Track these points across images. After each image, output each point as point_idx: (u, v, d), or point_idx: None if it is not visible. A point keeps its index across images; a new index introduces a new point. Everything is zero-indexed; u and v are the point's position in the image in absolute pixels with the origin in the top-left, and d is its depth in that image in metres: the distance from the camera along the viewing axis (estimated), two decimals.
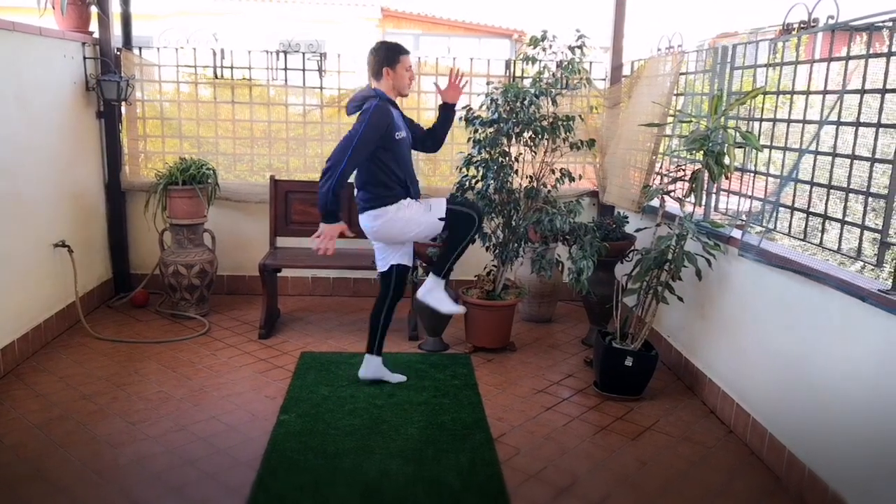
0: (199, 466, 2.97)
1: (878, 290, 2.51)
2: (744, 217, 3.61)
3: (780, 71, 3.40)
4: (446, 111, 3.89)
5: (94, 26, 4.96)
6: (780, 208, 3.31)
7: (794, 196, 3.26)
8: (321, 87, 5.26)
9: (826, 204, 2.99)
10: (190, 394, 3.67)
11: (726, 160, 3.36)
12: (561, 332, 4.88)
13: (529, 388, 3.92)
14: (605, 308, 4.25)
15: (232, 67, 5.20)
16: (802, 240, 3.19)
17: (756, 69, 3.66)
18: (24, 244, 4.08)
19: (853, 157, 2.85)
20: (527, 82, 4.63)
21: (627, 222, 4.61)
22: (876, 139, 2.70)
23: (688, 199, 3.63)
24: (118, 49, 5.06)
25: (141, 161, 5.30)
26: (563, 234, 4.25)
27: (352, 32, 13.29)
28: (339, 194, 3.41)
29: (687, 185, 3.60)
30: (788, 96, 3.34)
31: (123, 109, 5.16)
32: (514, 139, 4.27)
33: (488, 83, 4.41)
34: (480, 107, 4.31)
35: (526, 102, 4.14)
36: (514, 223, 4.35)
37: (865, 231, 2.81)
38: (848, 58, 2.90)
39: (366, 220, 3.63)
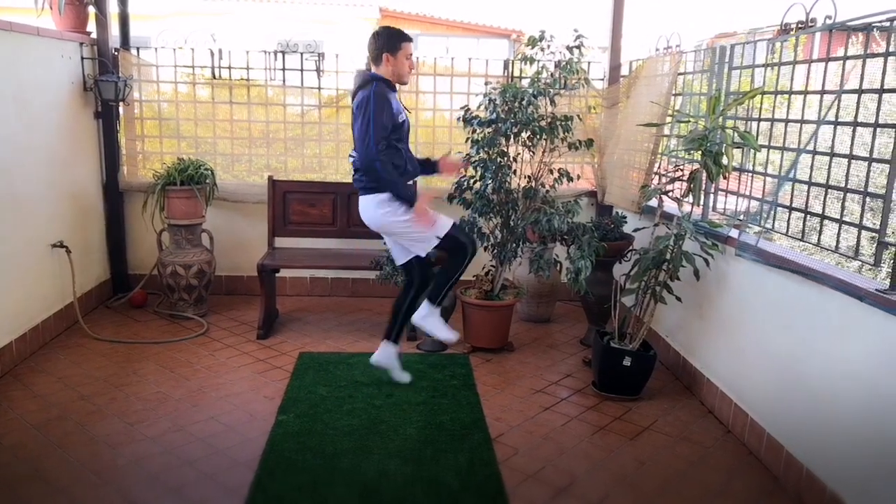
0: (198, 467, 2.97)
1: (876, 289, 2.51)
2: (742, 217, 3.61)
3: (778, 71, 3.40)
4: (428, 169, 3.95)
5: (91, 26, 4.95)
6: (779, 208, 3.32)
7: (792, 196, 3.26)
8: (319, 88, 5.26)
9: (824, 204, 2.99)
10: (188, 394, 3.67)
11: (724, 160, 3.37)
12: (559, 332, 4.89)
13: (528, 388, 3.92)
14: (604, 308, 4.25)
15: (230, 68, 5.19)
16: (800, 239, 3.20)
17: (754, 69, 3.66)
18: (22, 244, 4.07)
19: (851, 156, 2.85)
20: (525, 82, 4.63)
21: (626, 222, 4.61)
22: (874, 139, 2.71)
23: (686, 199, 3.64)
24: (116, 49, 5.06)
25: (139, 161, 5.30)
26: (561, 234, 4.25)
27: (350, 33, 13.27)
28: (395, 177, 3.44)
29: (685, 185, 3.60)
30: (786, 96, 3.34)
31: (121, 110, 5.15)
32: (512, 139, 4.27)
33: (486, 83, 4.41)
34: (479, 107, 4.31)
35: (524, 102, 4.15)
36: (512, 223, 4.35)
37: (863, 231, 2.82)
38: (845, 58, 2.90)
39: (368, 203, 3.60)
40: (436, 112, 5.37)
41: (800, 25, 3.18)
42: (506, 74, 5.30)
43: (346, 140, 5.35)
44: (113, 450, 3.08)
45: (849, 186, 2.92)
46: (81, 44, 4.84)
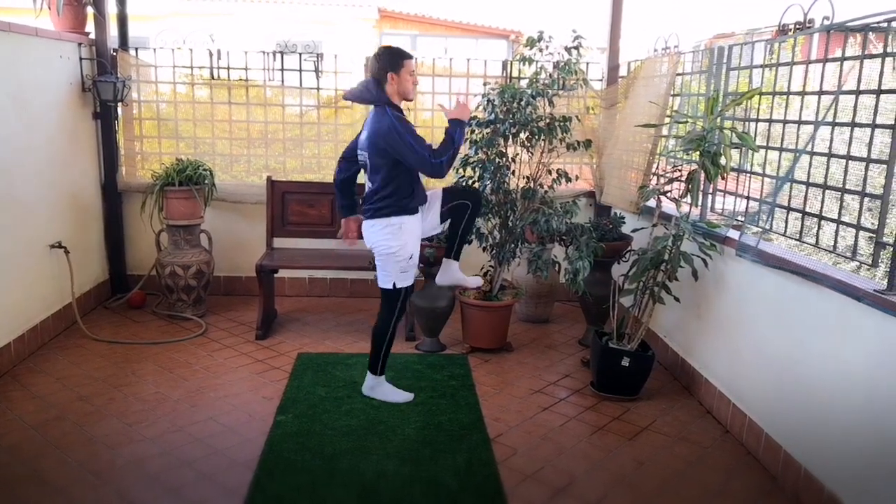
0: (197, 467, 2.97)
1: (874, 290, 2.52)
2: (740, 217, 3.62)
3: (776, 72, 3.41)
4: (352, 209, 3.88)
5: (90, 27, 4.95)
6: (777, 208, 3.32)
7: (790, 196, 3.27)
8: (318, 88, 5.26)
9: (822, 204, 3.00)
10: (187, 395, 3.67)
11: (722, 160, 3.37)
12: (558, 333, 4.89)
13: (526, 388, 3.92)
14: (602, 308, 4.26)
15: (228, 68, 5.19)
16: (798, 240, 3.20)
17: (752, 70, 3.67)
18: (21, 245, 4.07)
19: (848, 157, 2.86)
20: (523, 83, 4.63)
21: (624, 222, 4.62)
22: (871, 139, 2.71)
23: (684, 200, 3.64)
24: (114, 50, 5.06)
25: (137, 162, 5.30)
26: (559, 235, 4.26)
27: (348, 33, 13.29)
28: (447, 153, 3.41)
29: (683, 185, 3.60)
30: (784, 97, 3.34)
31: (120, 110, 5.15)
32: (510, 140, 4.27)
33: (485, 84, 4.41)
34: (477, 107, 4.32)
35: (523, 103, 4.15)
36: (510, 224, 4.35)
37: (861, 231, 2.82)
38: (843, 59, 2.91)
39: (376, 227, 3.53)
40: (434, 113, 5.38)
41: (798, 26, 3.18)
42: (504, 75, 5.30)
43: (344, 140, 5.34)
44: (111, 450, 3.08)
45: (847, 187, 2.92)
46: (80, 44, 4.84)
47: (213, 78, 5.21)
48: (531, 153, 4.36)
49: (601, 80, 5.34)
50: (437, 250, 4.15)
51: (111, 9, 5.06)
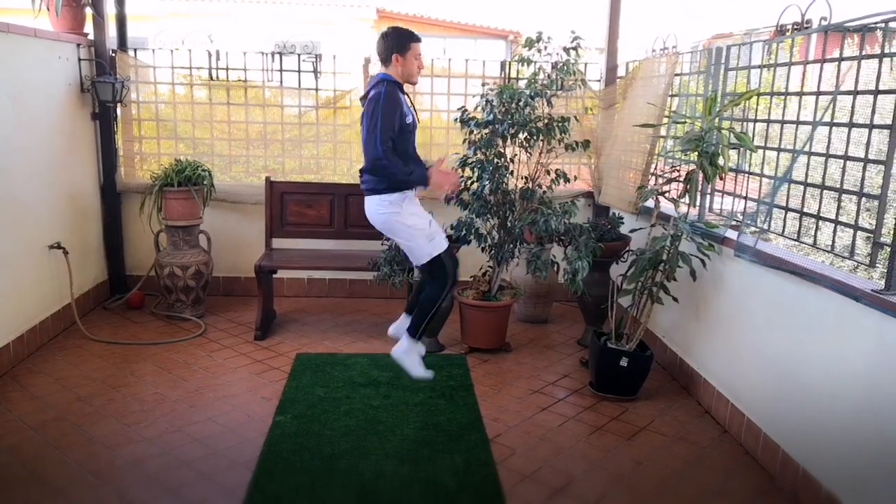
0: (196, 467, 2.97)
1: (872, 290, 2.52)
2: (738, 217, 3.62)
3: (774, 72, 3.41)
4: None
5: (88, 28, 4.95)
6: (775, 208, 3.33)
7: (788, 196, 3.27)
8: (317, 89, 5.27)
9: (820, 204, 3.00)
10: (186, 395, 3.67)
11: (721, 161, 3.38)
12: (556, 333, 4.89)
13: (525, 388, 3.93)
14: (601, 308, 4.26)
15: (227, 69, 5.19)
16: (796, 240, 3.21)
17: (750, 70, 3.68)
18: (20, 246, 4.07)
19: (846, 157, 2.86)
20: (522, 83, 4.64)
21: (622, 223, 4.62)
22: (869, 140, 2.72)
23: (682, 200, 3.65)
24: (113, 51, 5.06)
25: (136, 163, 5.30)
26: (558, 235, 4.26)
27: (347, 34, 13.27)
28: (399, 165, 3.42)
29: (681, 185, 3.61)
30: (782, 97, 3.35)
31: (118, 111, 5.15)
32: (509, 140, 4.28)
33: (483, 84, 4.42)
34: (476, 108, 4.32)
35: (521, 104, 4.15)
36: (509, 224, 4.36)
37: (859, 231, 2.83)
38: (841, 59, 2.92)
39: (374, 204, 3.61)
40: (433, 113, 5.38)
41: (795, 27, 3.19)
42: (503, 75, 5.31)
43: (343, 141, 5.36)
44: (111, 451, 3.09)
45: (844, 187, 2.93)
46: (78, 45, 4.84)
47: (211, 79, 5.22)
48: (530, 153, 4.37)
49: (599, 81, 5.34)
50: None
51: (110, 9, 5.06)
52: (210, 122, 5.29)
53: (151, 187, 4.79)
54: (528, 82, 4.34)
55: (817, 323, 2.85)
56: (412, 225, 3.59)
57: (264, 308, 4.62)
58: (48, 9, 4.68)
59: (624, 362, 3.70)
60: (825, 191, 3.03)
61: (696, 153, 3.42)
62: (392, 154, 3.43)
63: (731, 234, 3.53)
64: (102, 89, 4.84)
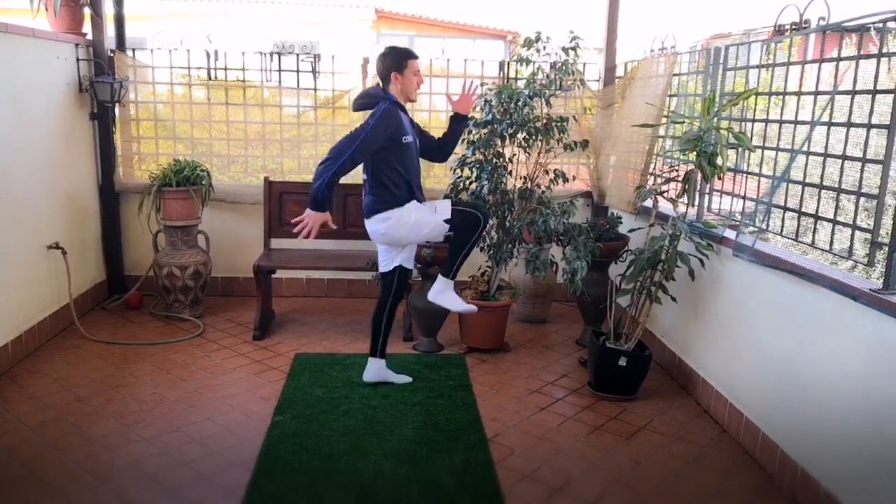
0: (194, 468, 2.97)
1: (870, 289, 2.52)
2: (737, 217, 3.63)
3: (773, 72, 3.42)
4: (458, 122, 3.86)
5: (87, 28, 4.95)
6: (773, 208, 3.33)
7: (786, 196, 3.27)
8: (315, 89, 5.26)
9: (818, 204, 3.00)
10: (184, 395, 3.67)
11: (719, 161, 3.38)
12: (555, 333, 4.90)
13: (524, 388, 3.93)
14: (599, 308, 4.27)
15: (226, 69, 5.19)
16: (794, 240, 3.21)
17: (749, 70, 3.68)
18: (18, 246, 4.07)
19: (844, 157, 2.87)
20: (521, 83, 4.64)
21: (621, 223, 4.63)
22: (867, 139, 2.72)
23: (681, 200, 3.65)
24: (111, 51, 5.06)
25: (135, 163, 5.29)
26: (556, 235, 4.26)
27: (346, 34, 13.27)
28: (332, 186, 3.41)
29: (680, 185, 3.61)
30: (780, 97, 3.35)
31: (117, 111, 5.15)
32: (508, 140, 4.28)
33: (482, 84, 4.42)
34: (474, 108, 4.32)
35: (520, 104, 4.16)
36: (508, 224, 4.36)
37: (857, 231, 2.83)
38: (839, 59, 2.92)
39: (373, 224, 3.63)
40: (431, 113, 5.38)
41: (794, 27, 3.19)
42: (501, 76, 5.31)
43: None
44: (109, 451, 3.08)
45: (843, 187, 2.93)
46: (77, 45, 4.84)
47: (210, 79, 5.21)
48: (528, 153, 4.37)
49: (598, 81, 5.34)
50: (437, 251, 4.15)
51: (108, 10, 5.05)
52: (209, 122, 5.29)
53: (150, 187, 4.79)
54: (527, 82, 4.34)
55: (816, 322, 2.85)
56: (413, 220, 3.59)
57: (263, 308, 4.62)
58: (46, 9, 4.68)
59: (623, 362, 3.70)
60: (823, 190, 3.03)
61: (695, 153, 3.42)
62: (342, 167, 3.37)
63: (730, 234, 3.54)
64: (101, 89, 4.84)
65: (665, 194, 3.75)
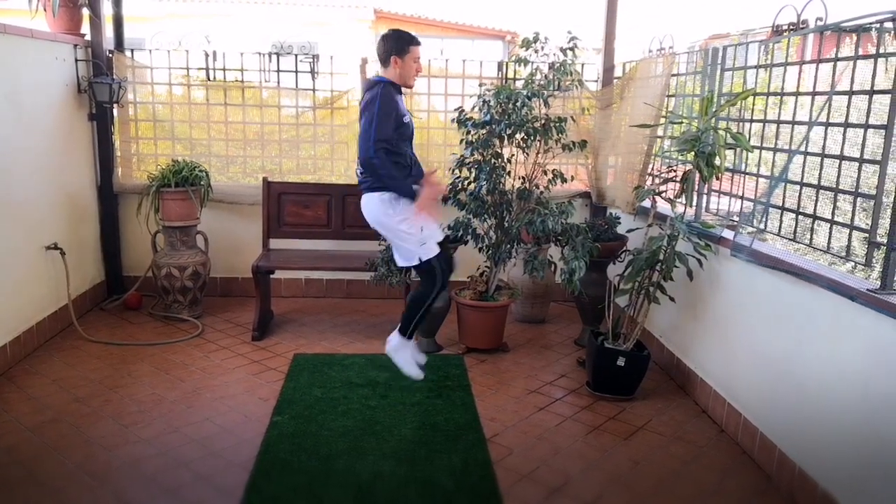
0: (193, 468, 2.97)
1: (868, 289, 2.53)
2: (735, 217, 3.63)
3: (770, 72, 3.42)
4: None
5: (85, 28, 4.95)
6: (771, 208, 3.33)
7: (784, 196, 3.28)
8: (314, 89, 5.26)
9: (816, 204, 3.01)
10: (183, 396, 3.67)
11: (717, 161, 3.38)
12: (554, 333, 4.90)
13: (522, 388, 3.93)
14: (598, 308, 4.27)
15: (224, 69, 5.19)
16: (792, 240, 3.22)
17: (746, 70, 3.68)
18: (16, 246, 4.07)
19: (842, 157, 2.87)
20: (519, 84, 4.64)
21: (619, 223, 4.63)
22: (864, 140, 2.73)
23: (679, 200, 3.65)
24: (110, 51, 5.06)
25: (133, 163, 5.29)
26: (555, 235, 4.26)
27: (344, 34, 13.28)
28: (394, 176, 3.44)
29: (678, 185, 3.62)
30: (778, 97, 3.36)
31: (115, 112, 5.15)
32: (506, 141, 4.28)
33: (481, 85, 4.42)
34: (473, 108, 4.32)
35: (518, 104, 4.16)
36: (506, 224, 4.36)
37: (854, 231, 2.83)
38: (836, 59, 2.92)
39: (370, 201, 3.62)
40: (430, 113, 5.39)
41: (791, 27, 3.20)
42: (500, 76, 5.31)
43: (340, 142, 5.36)
44: (108, 451, 3.08)
45: (840, 187, 2.94)
46: (75, 46, 4.84)
47: (209, 79, 5.21)
48: (527, 154, 4.37)
49: (596, 81, 5.34)
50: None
51: (107, 10, 5.05)
52: (207, 122, 5.29)
53: (149, 188, 4.79)
54: (526, 83, 4.34)
55: (813, 322, 2.85)
56: (403, 229, 3.60)
57: (262, 308, 4.62)
58: (45, 9, 4.68)
59: (621, 362, 3.71)
60: (821, 191, 3.03)
61: (693, 153, 3.43)
62: (385, 155, 3.44)
63: (728, 234, 3.54)
64: (99, 90, 4.84)
65: (663, 194, 3.76)
